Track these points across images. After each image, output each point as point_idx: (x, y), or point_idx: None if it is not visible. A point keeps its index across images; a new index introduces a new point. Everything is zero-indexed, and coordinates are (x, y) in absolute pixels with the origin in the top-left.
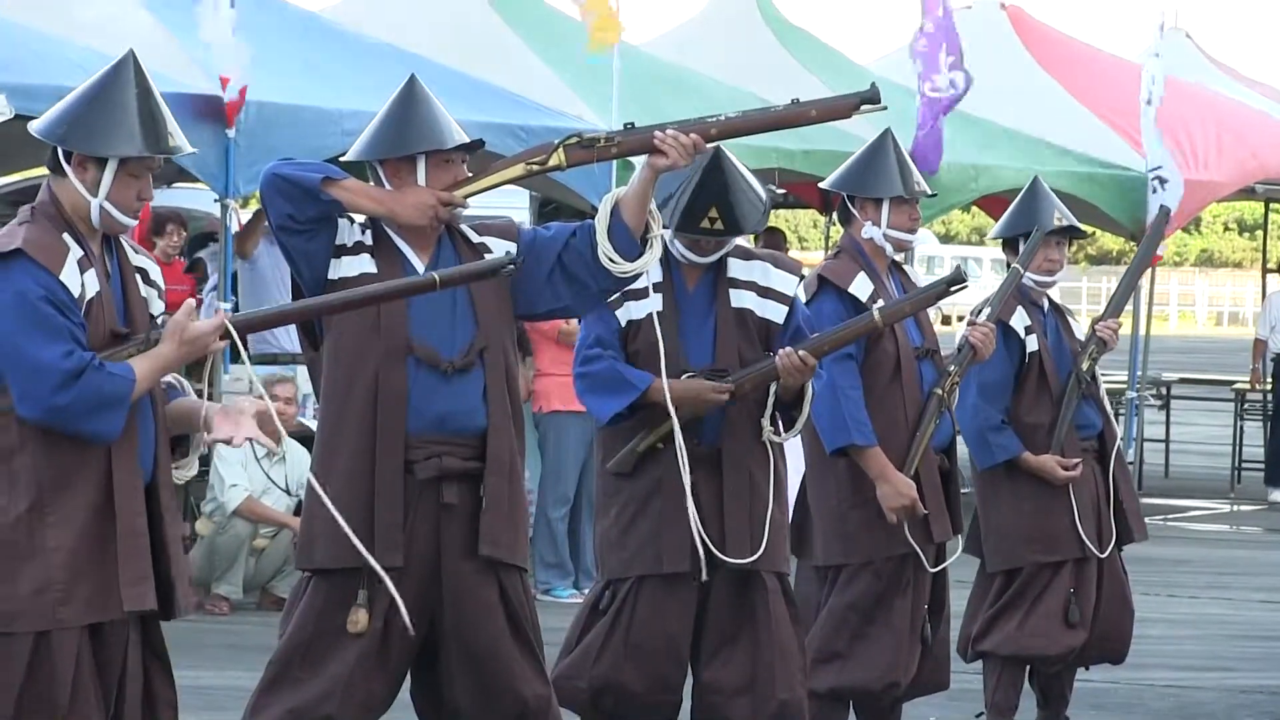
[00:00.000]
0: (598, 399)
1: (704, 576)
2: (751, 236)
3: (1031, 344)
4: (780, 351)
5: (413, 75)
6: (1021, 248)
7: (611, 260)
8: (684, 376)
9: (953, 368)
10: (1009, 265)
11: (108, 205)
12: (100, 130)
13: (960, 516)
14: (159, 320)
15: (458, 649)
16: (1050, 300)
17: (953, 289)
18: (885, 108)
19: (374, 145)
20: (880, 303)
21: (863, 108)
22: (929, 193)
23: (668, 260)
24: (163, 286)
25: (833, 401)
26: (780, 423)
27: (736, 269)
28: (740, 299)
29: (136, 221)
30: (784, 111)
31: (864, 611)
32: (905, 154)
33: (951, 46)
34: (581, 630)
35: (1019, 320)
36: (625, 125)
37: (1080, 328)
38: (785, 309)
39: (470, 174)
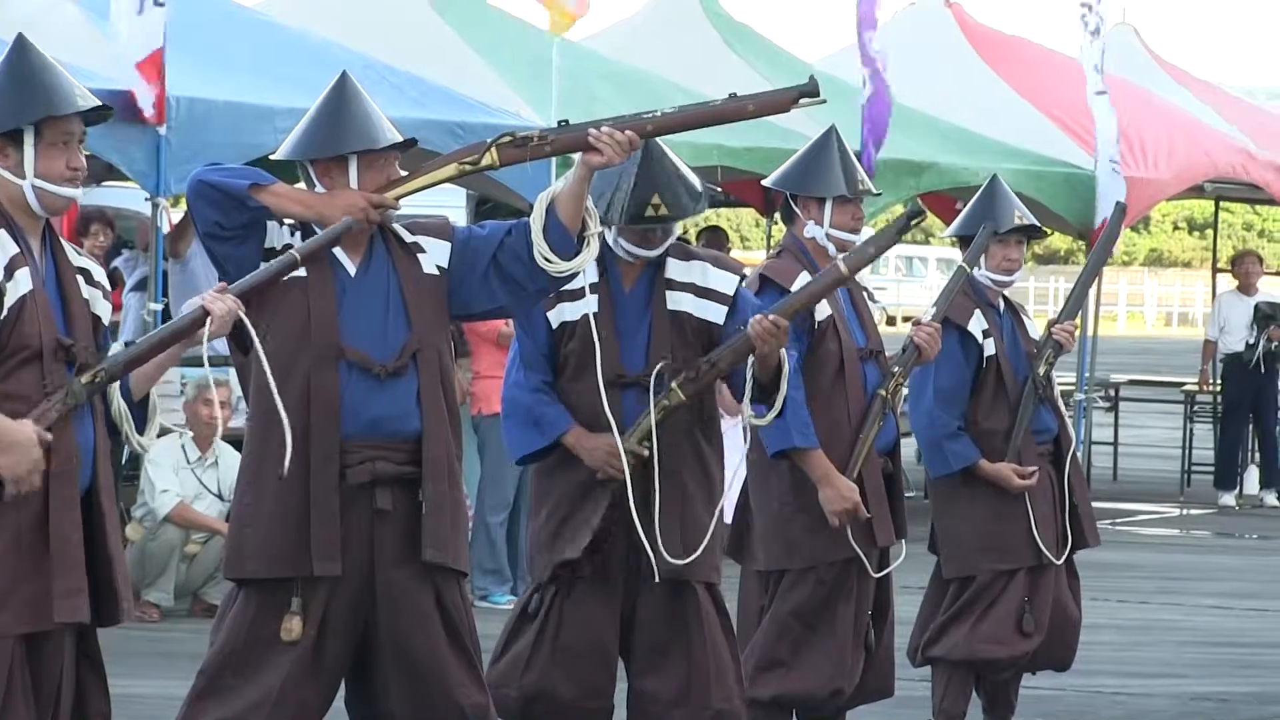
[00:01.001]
0: (511, 432)
1: (656, 577)
2: (694, 237)
3: (989, 348)
4: (751, 319)
5: (344, 72)
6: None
7: (547, 260)
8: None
9: (897, 369)
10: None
11: (39, 182)
12: (6, 107)
13: (904, 520)
14: (105, 323)
15: (393, 657)
16: (1006, 300)
17: (913, 223)
18: (824, 101)
19: (304, 144)
20: (824, 304)
21: (801, 101)
22: (873, 191)
23: (604, 260)
24: (108, 288)
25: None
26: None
27: (675, 270)
28: (678, 301)
29: (78, 192)
30: (721, 106)
31: (807, 618)
32: (849, 152)
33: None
34: (511, 636)
35: (976, 324)
36: (560, 122)
37: (1035, 328)
38: (725, 309)
39: (404, 172)
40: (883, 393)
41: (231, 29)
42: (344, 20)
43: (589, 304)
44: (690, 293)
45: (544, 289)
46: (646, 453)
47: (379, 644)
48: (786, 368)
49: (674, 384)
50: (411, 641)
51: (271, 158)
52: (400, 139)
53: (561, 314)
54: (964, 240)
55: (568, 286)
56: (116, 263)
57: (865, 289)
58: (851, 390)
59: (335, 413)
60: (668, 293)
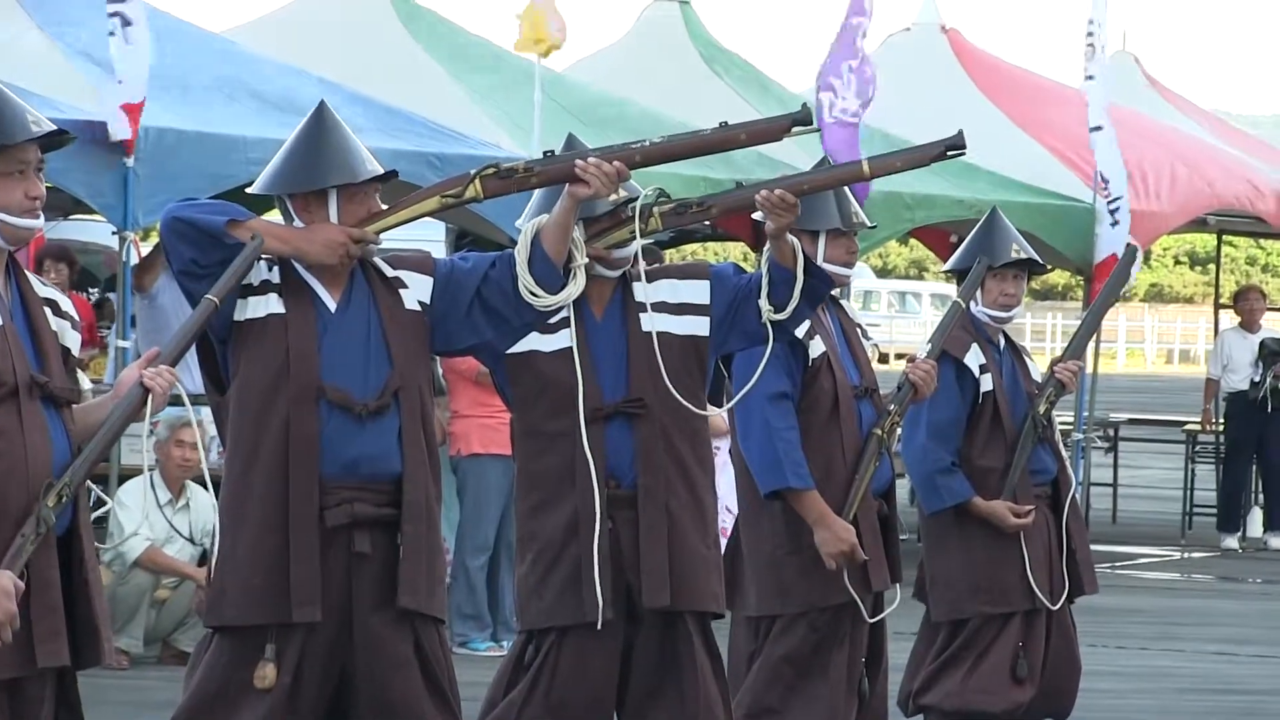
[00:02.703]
0: None
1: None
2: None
3: (986, 383)
4: (760, 193)
5: (322, 102)
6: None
7: (533, 293)
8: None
9: (893, 407)
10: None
11: None
12: None
13: (900, 564)
14: (75, 355)
15: (370, 704)
16: (1007, 338)
17: (950, 153)
18: (818, 130)
19: (282, 178)
20: (817, 341)
21: (794, 130)
22: (868, 224)
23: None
24: (76, 318)
25: (767, 442)
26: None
27: (643, 292)
28: (653, 322)
29: (39, 221)
30: (711, 135)
31: (799, 664)
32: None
33: (842, 65)
34: (506, 687)
35: (974, 358)
36: (545, 153)
37: (1037, 368)
38: (706, 319)
39: (384, 205)
40: (878, 432)
41: (201, 57)
42: (318, 49)
43: (564, 338)
44: (665, 312)
45: (530, 323)
46: None
47: (356, 690)
48: (801, 259)
49: (655, 211)
50: (390, 689)
51: (248, 191)
52: (381, 171)
53: (530, 344)
54: (961, 275)
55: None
56: (111, 295)
57: (859, 326)
58: (846, 429)
59: (315, 452)
60: (641, 316)
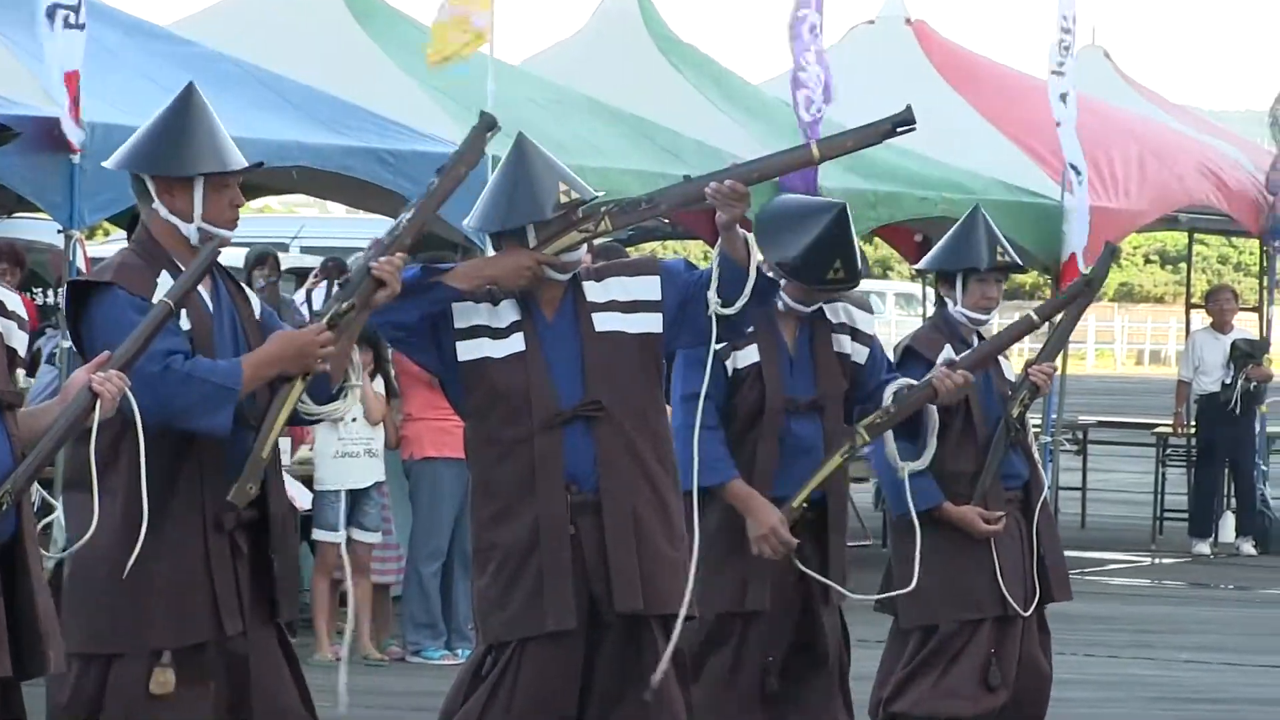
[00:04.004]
0: None
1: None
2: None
3: None
4: (709, 186)
5: (191, 84)
6: (957, 283)
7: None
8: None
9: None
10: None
11: None
12: None
13: (841, 565)
14: (20, 355)
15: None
16: (981, 338)
17: (899, 130)
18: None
19: (148, 158)
20: (750, 350)
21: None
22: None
23: (524, 296)
24: (24, 316)
25: (681, 444)
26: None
27: (594, 291)
28: (606, 322)
29: None
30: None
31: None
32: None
33: (803, 59)
34: (462, 698)
35: (946, 359)
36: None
37: (1012, 368)
38: (659, 315)
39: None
40: (858, 439)
41: (150, 52)
42: (268, 43)
43: (515, 343)
44: (617, 310)
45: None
46: None
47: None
48: (754, 255)
49: (604, 212)
50: (276, 697)
51: (104, 164)
52: (246, 164)
53: (480, 349)
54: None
55: (489, 324)
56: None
57: (857, 332)
58: (764, 444)
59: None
60: (594, 315)
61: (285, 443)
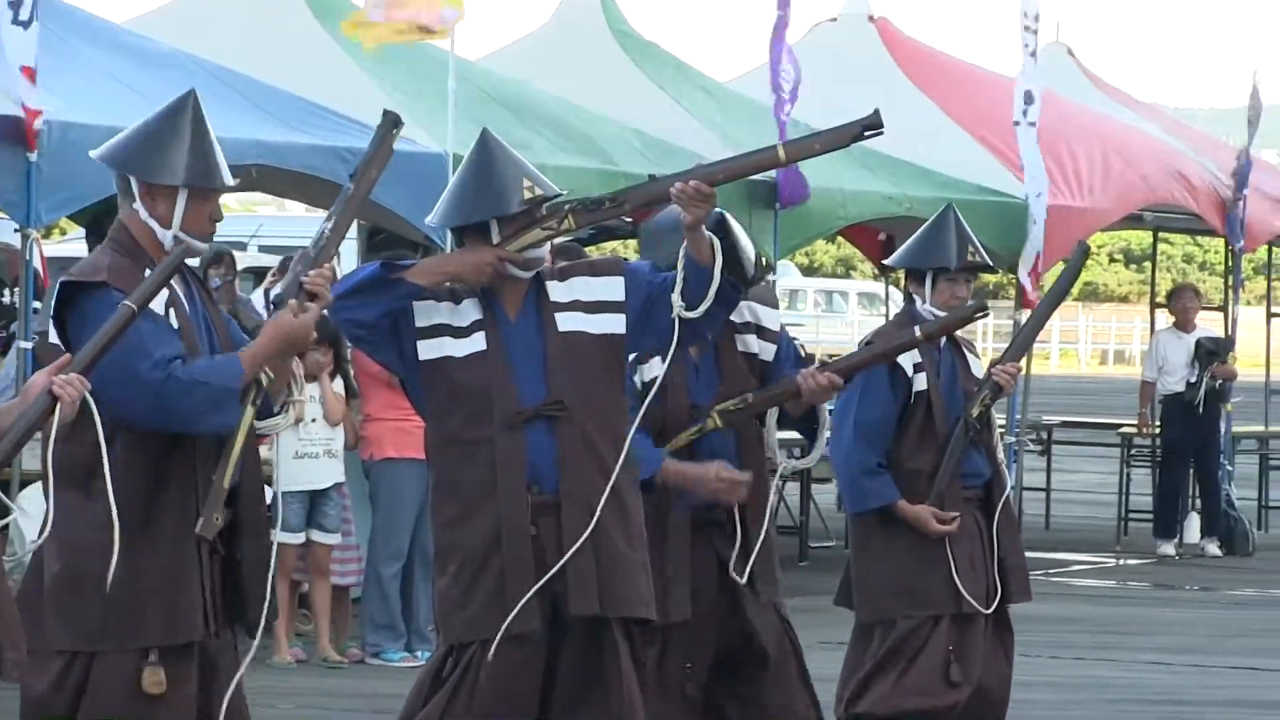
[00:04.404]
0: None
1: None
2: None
3: (920, 383)
4: (675, 186)
5: (193, 92)
6: (926, 281)
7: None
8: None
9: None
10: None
11: None
12: None
13: (770, 562)
14: None
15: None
16: (949, 336)
17: (868, 134)
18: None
19: (135, 159)
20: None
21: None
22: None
23: (486, 295)
24: None
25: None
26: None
27: (557, 291)
28: (569, 322)
29: None
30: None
31: None
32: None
33: (781, 66)
34: (423, 700)
35: (908, 357)
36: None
37: (980, 366)
38: (621, 315)
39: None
40: (708, 423)
41: (106, 49)
42: (226, 41)
43: (476, 342)
44: (579, 310)
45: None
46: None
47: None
48: (719, 257)
49: (568, 209)
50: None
51: (92, 154)
52: (233, 183)
53: (441, 348)
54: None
55: (450, 322)
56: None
57: (754, 324)
58: (677, 452)
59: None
60: (556, 315)
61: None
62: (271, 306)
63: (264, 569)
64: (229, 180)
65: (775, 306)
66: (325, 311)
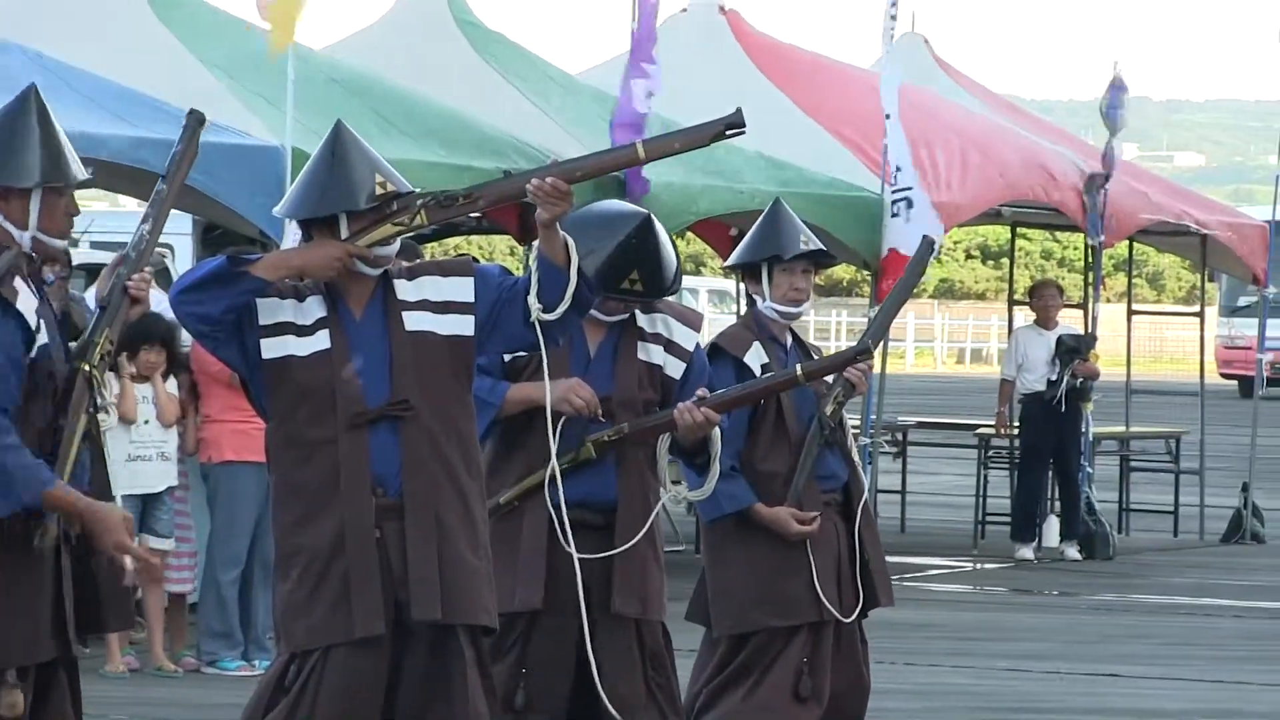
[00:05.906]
0: None
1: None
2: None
3: None
4: (531, 183)
5: (32, 85)
6: (763, 276)
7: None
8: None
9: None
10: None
11: None
12: None
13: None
14: None
15: None
16: (794, 336)
17: (730, 133)
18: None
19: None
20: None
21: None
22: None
23: (331, 292)
24: None
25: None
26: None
27: (405, 290)
28: (417, 321)
29: None
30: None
31: None
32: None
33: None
34: (264, 709)
35: (755, 357)
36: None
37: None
38: (471, 318)
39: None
40: (581, 452)
41: None
42: (60, 33)
43: (320, 340)
44: (427, 310)
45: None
46: None
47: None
48: (575, 257)
49: (420, 205)
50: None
51: None
52: (87, 174)
53: (286, 347)
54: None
55: (295, 320)
56: None
57: (664, 337)
58: (532, 444)
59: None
60: (404, 314)
61: None
62: (98, 308)
63: (121, 574)
64: (82, 174)
65: (697, 329)
66: (171, 308)
